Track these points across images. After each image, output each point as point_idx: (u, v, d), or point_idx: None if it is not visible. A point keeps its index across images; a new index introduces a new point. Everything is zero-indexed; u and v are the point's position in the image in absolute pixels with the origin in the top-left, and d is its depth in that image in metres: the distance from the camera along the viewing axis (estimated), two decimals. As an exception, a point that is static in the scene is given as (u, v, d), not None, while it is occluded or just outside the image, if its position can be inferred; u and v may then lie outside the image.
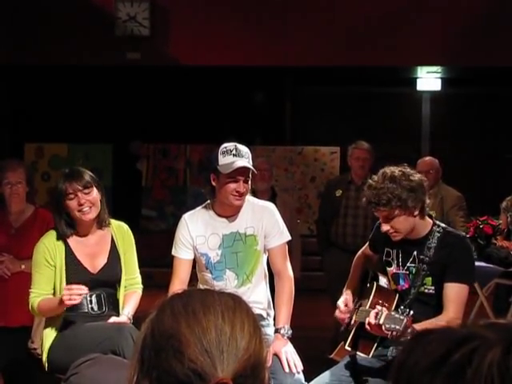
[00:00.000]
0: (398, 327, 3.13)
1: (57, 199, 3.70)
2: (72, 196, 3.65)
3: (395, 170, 3.37)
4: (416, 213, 3.36)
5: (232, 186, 3.58)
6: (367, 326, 3.28)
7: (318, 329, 5.71)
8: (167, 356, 1.21)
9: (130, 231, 3.89)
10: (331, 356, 3.70)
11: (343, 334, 3.67)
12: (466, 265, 3.41)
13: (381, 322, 3.19)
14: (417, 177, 3.38)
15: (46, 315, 3.71)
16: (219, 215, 3.73)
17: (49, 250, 3.69)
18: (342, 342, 3.63)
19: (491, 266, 4.76)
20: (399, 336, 3.14)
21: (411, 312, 3.18)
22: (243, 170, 3.55)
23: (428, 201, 3.45)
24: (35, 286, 3.68)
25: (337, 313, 3.69)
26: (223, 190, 3.60)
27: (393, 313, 3.21)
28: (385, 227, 3.39)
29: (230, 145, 3.63)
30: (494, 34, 8.85)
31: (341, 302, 3.69)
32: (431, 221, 3.47)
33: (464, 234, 3.76)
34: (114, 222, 3.87)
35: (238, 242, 3.72)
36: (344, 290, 3.78)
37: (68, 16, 9.15)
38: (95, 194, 3.70)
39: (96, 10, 9.18)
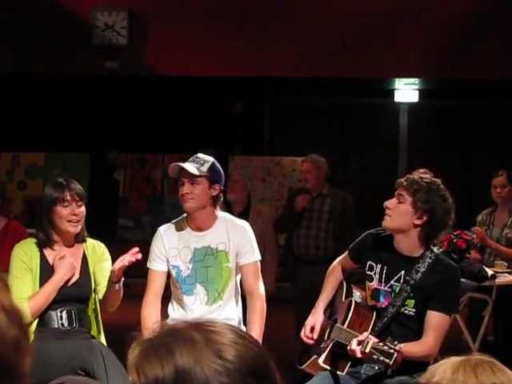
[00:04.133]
0: (387, 361, 3.08)
1: (47, 205, 3.67)
2: (67, 204, 3.64)
3: (443, 186, 3.45)
4: (418, 222, 3.35)
5: (180, 189, 3.67)
6: (350, 353, 3.24)
7: (288, 340, 5.68)
8: None
9: (105, 250, 3.88)
10: (303, 367, 3.68)
11: (316, 348, 3.65)
12: (452, 295, 3.41)
13: (367, 350, 3.14)
14: (449, 204, 3.41)
15: (41, 309, 3.61)
16: (192, 229, 3.75)
17: (26, 254, 3.67)
18: (316, 356, 3.61)
19: (464, 280, 4.78)
20: (387, 367, 3.11)
21: (401, 345, 3.12)
22: (184, 172, 3.61)
23: (440, 234, 3.47)
24: (16, 292, 3.57)
25: (302, 334, 3.66)
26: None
27: (381, 344, 3.13)
28: (388, 202, 3.42)
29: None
30: (472, 47, 8.91)
31: (308, 324, 3.65)
32: (427, 245, 3.45)
33: (455, 265, 3.73)
34: (90, 240, 3.86)
35: (209, 256, 3.73)
36: (317, 303, 3.73)
37: (45, 24, 9.10)
38: (83, 209, 3.71)
39: (73, 18, 9.14)
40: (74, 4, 9.20)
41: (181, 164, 3.62)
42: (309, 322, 3.65)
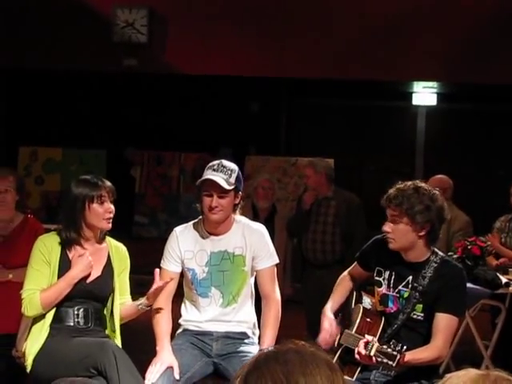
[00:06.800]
0: (390, 363, 3.08)
1: (81, 203, 3.63)
2: (102, 200, 3.64)
3: (426, 186, 3.41)
4: (422, 233, 3.34)
5: (207, 200, 3.62)
6: (357, 356, 3.24)
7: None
8: None
9: (127, 253, 3.88)
10: None
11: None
12: (458, 297, 3.40)
13: (371, 353, 3.15)
14: (440, 201, 3.37)
15: (53, 303, 3.61)
16: (208, 232, 3.74)
17: (46, 247, 3.67)
18: None
19: (478, 287, 4.76)
20: (390, 369, 3.11)
21: (404, 347, 3.12)
22: (215, 185, 3.56)
23: (440, 233, 3.43)
24: (31, 282, 3.61)
25: (320, 338, 3.61)
26: (202, 205, 3.66)
27: (385, 346, 3.14)
28: (386, 227, 3.38)
29: (216, 161, 3.67)
30: (491, 51, 8.87)
31: (327, 326, 3.61)
32: (431, 249, 3.45)
33: (461, 266, 3.70)
34: (113, 240, 3.86)
35: (226, 261, 3.72)
36: (325, 309, 3.70)
37: (66, 21, 9.15)
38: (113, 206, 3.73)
39: (94, 15, 9.17)
40: (95, 1, 9.24)
41: (212, 178, 3.55)
42: (326, 325, 3.61)
